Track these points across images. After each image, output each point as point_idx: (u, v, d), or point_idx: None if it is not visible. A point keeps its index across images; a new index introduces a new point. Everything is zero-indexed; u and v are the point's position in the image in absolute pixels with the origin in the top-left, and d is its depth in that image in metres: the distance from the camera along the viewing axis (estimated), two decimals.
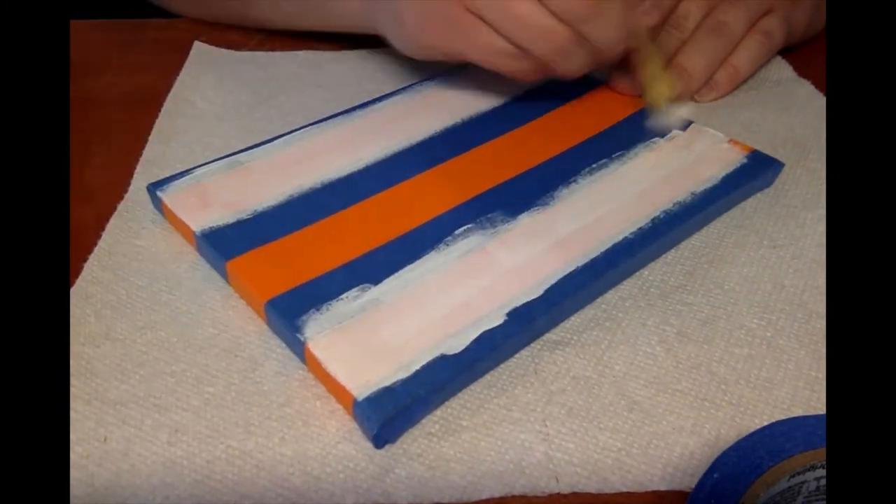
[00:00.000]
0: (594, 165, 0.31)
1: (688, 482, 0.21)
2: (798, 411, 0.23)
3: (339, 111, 0.35)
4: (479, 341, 0.23)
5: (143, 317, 0.26)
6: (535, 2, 0.28)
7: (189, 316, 0.26)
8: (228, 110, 0.38)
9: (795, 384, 0.24)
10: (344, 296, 0.25)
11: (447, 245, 0.27)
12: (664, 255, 0.29)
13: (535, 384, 0.24)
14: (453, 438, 0.22)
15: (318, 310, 0.25)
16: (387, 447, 0.22)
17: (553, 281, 0.26)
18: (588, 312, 0.26)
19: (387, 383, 0.22)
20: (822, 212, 0.31)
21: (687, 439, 0.22)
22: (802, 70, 0.41)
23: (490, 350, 0.23)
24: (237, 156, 0.32)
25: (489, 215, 0.29)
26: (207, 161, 0.31)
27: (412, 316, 0.24)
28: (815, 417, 0.20)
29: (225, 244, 0.27)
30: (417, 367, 0.23)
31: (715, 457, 0.19)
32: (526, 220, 0.28)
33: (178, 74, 0.41)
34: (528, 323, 0.24)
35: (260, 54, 0.43)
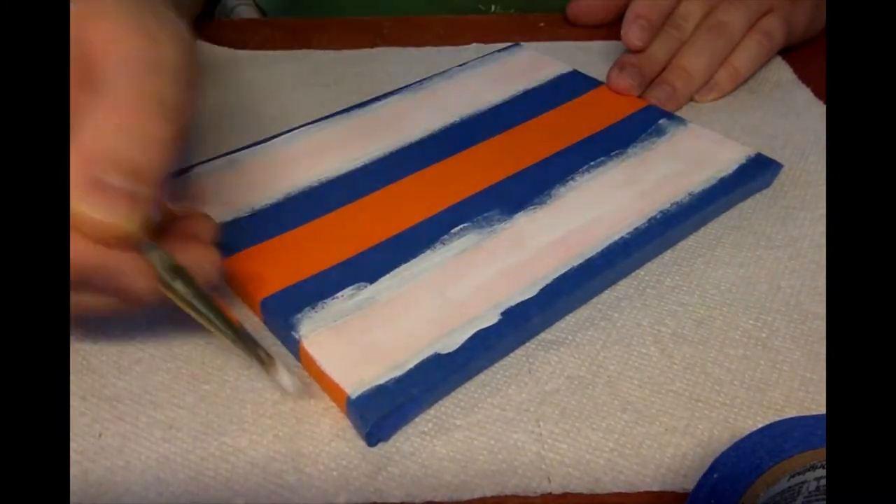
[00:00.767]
0: (592, 164, 0.31)
1: (680, 483, 0.21)
2: (792, 412, 0.23)
3: (336, 111, 0.35)
4: (473, 340, 0.24)
5: (140, 312, 0.26)
6: None
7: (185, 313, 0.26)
8: (228, 109, 0.38)
9: (790, 385, 0.24)
10: (339, 294, 0.25)
11: (443, 244, 0.27)
12: (661, 256, 0.29)
13: (528, 384, 0.24)
14: (446, 437, 0.22)
15: (313, 308, 0.25)
16: (380, 445, 0.22)
17: (548, 281, 0.26)
18: (583, 312, 0.26)
19: (380, 382, 0.22)
20: (821, 212, 0.31)
21: (680, 440, 0.22)
22: (802, 71, 0.41)
23: (484, 349, 0.23)
24: (235, 154, 0.32)
25: (485, 214, 0.29)
26: (205, 159, 0.32)
27: (407, 315, 0.24)
28: (815, 417, 0.20)
29: (221, 242, 0.27)
30: (411, 365, 0.23)
31: (708, 457, 0.19)
32: (522, 220, 0.28)
33: None
34: (522, 323, 0.24)
35: (260, 54, 0.43)
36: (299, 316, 0.24)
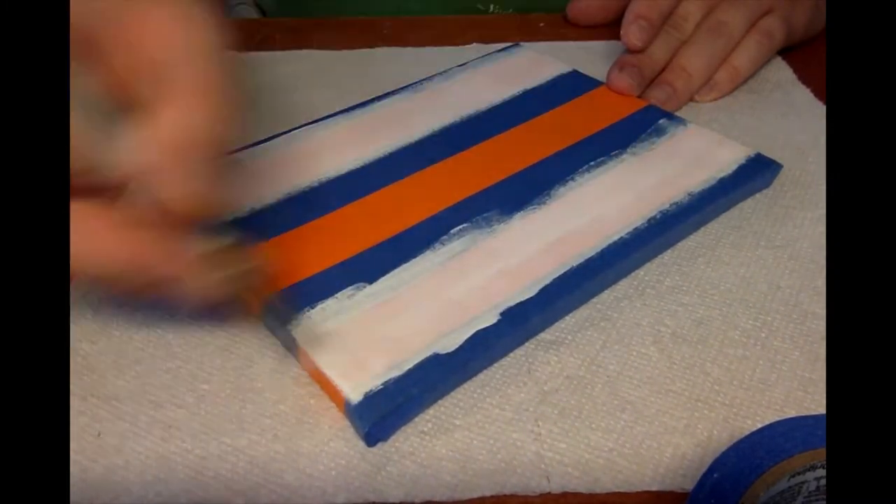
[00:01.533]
0: (592, 164, 0.31)
1: (679, 483, 0.21)
2: (791, 412, 0.23)
3: (336, 111, 0.35)
4: (472, 341, 0.24)
5: (139, 313, 0.26)
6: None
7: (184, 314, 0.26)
8: None
9: (789, 385, 0.24)
10: (338, 294, 0.25)
11: (442, 244, 0.27)
12: (660, 256, 0.29)
13: (528, 384, 0.24)
14: (446, 437, 0.22)
15: (312, 308, 0.25)
16: (379, 445, 0.22)
17: (548, 281, 0.26)
18: (583, 312, 0.26)
19: (379, 382, 0.22)
20: (821, 212, 0.31)
21: (679, 440, 0.22)
22: (802, 71, 0.41)
23: (483, 349, 0.23)
24: (233, 155, 0.32)
25: (485, 215, 0.29)
26: None
27: (406, 315, 0.24)
28: (815, 417, 0.20)
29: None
30: (410, 366, 0.23)
31: (708, 457, 0.19)
32: (521, 220, 0.28)
33: None
34: (521, 323, 0.24)
35: (260, 54, 0.43)
36: (298, 317, 0.24)
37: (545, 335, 0.26)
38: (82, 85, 0.20)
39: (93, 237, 0.20)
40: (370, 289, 0.25)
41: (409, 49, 0.42)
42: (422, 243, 0.27)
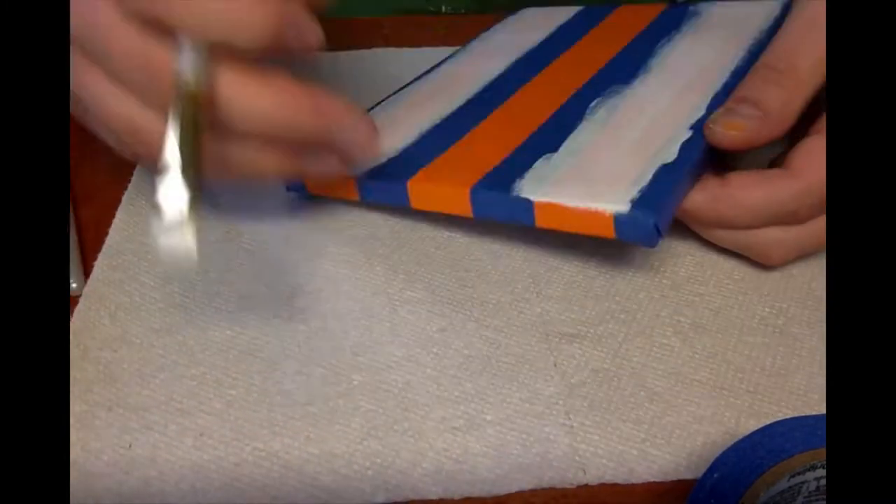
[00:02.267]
0: (664, 39, 0.34)
1: None
2: (814, 397, 0.24)
3: (439, 62, 0.37)
4: (686, 145, 0.26)
5: (158, 319, 0.26)
6: None
7: (205, 318, 0.26)
8: None
9: (810, 370, 0.24)
10: (535, 165, 0.26)
11: (592, 113, 0.29)
12: (674, 246, 0.29)
13: (554, 378, 0.24)
14: (478, 433, 0.22)
15: (521, 178, 0.26)
16: (412, 441, 0.22)
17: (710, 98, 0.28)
18: (602, 304, 0.27)
19: (635, 190, 0.24)
20: None
21: (708, 428, 0.23)
22: None
23: (698, 152, 0.25)
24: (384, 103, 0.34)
25: (609, 88, 0.31)
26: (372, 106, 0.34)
27: (610, 153, 0.26)
28: (815, 417, 0.20)
29: (399, 168, 0.28)
30: (649, 176, 0.24)
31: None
32: (641, 85, 0.31)
33: None
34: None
35: None
36: (515, 186, 0.25)
37: (567, 328, 0.26)
38: None
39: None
40: (557, 156, 0.27)
41: (409, 49, 0.42)
42: (575, 117, 0.29)
